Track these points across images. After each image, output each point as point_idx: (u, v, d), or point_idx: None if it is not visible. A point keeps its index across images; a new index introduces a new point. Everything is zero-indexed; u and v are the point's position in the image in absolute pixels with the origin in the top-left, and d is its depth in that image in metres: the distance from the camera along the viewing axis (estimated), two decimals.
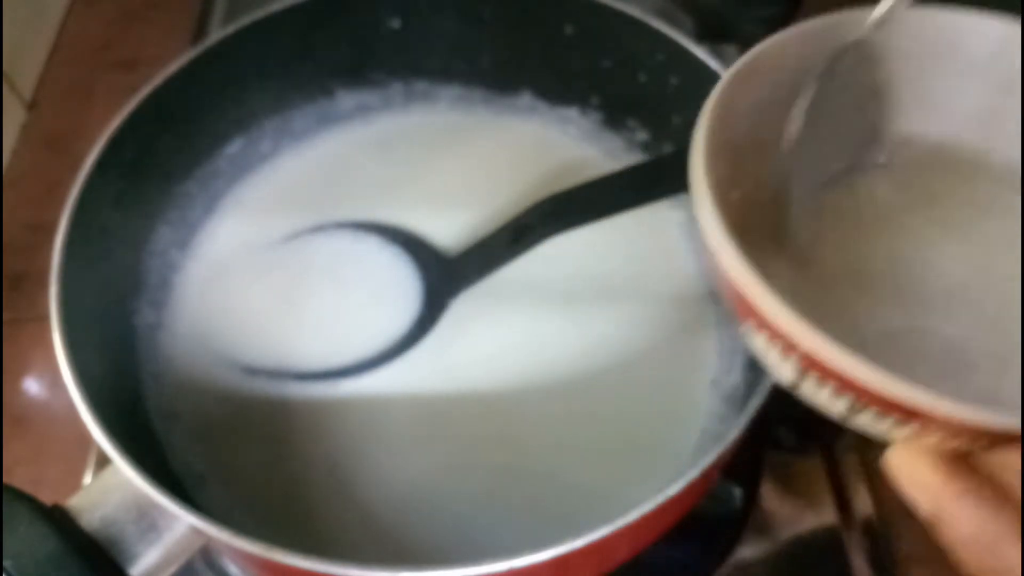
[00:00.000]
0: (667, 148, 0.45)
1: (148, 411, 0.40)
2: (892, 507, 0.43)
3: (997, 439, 0.23)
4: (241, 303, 0.43)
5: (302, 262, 0.44)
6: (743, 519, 0.43)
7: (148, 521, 0.30)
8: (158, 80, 0.40)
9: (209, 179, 0.45)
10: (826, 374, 0.23)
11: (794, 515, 0.44)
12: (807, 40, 0.29)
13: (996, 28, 0.29)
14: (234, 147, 0.46)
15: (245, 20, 0.42)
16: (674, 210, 0.45)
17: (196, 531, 0.30)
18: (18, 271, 0.54)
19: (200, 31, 0.65)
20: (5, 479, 0.30)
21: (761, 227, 0.29)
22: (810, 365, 0.24)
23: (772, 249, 0.29)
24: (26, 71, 0.64)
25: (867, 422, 0.24)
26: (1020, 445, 0.23)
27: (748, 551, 0.42)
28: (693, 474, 0.29)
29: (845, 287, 0.31)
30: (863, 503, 0.43)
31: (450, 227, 0.44)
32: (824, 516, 0.43)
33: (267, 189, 0.47)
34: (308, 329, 0.42)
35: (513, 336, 0.42)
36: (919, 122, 0.32)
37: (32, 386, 0.50)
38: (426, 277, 0.43)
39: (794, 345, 0.23)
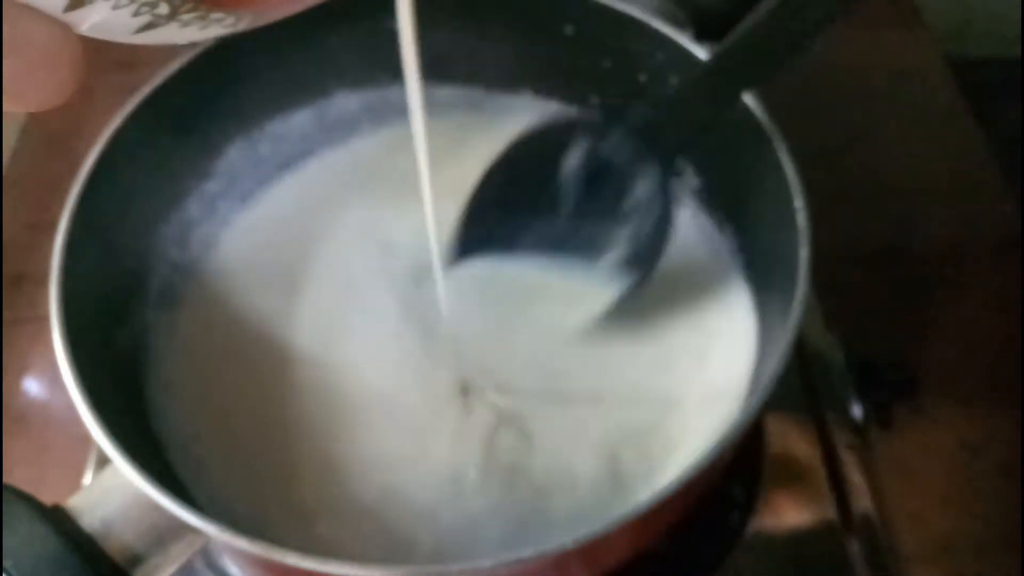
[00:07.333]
0: None
1: (148, 411, 0.40)
2: (892, 506, 0.43)
3: None
4: (241, 304, 0.43)
5: (304, 261, 0.44)
6: (743, 519, 0.43)
7: (148, 521, 0.30)
8: (158, 80, 0.40)
9: (209, 179, 0.45)
10: None
11: (794, 515, 0.44)
12: None
13: None
14: (234, 147, 0.46)
15: None
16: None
17: (196, 531, 0.30)
18: (18, 271, 0.54)
19: None
20: (5, 479, 0.30)
21: None
22: None
23: None
24: None
25: None
26: None
27: (748, 551, 0.42)
28: (692, 474, 0.29)
29: None
30: (863, 502, 0.43)
31: (449, 227, 0.44)
32: (824, 515, 0.43)
33: (267, 189, 0.47)
34: (308, 327, 0.42)
35: (510, 335, 0.42)
36: None
37: (32, 386, 0.50)
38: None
39: None
